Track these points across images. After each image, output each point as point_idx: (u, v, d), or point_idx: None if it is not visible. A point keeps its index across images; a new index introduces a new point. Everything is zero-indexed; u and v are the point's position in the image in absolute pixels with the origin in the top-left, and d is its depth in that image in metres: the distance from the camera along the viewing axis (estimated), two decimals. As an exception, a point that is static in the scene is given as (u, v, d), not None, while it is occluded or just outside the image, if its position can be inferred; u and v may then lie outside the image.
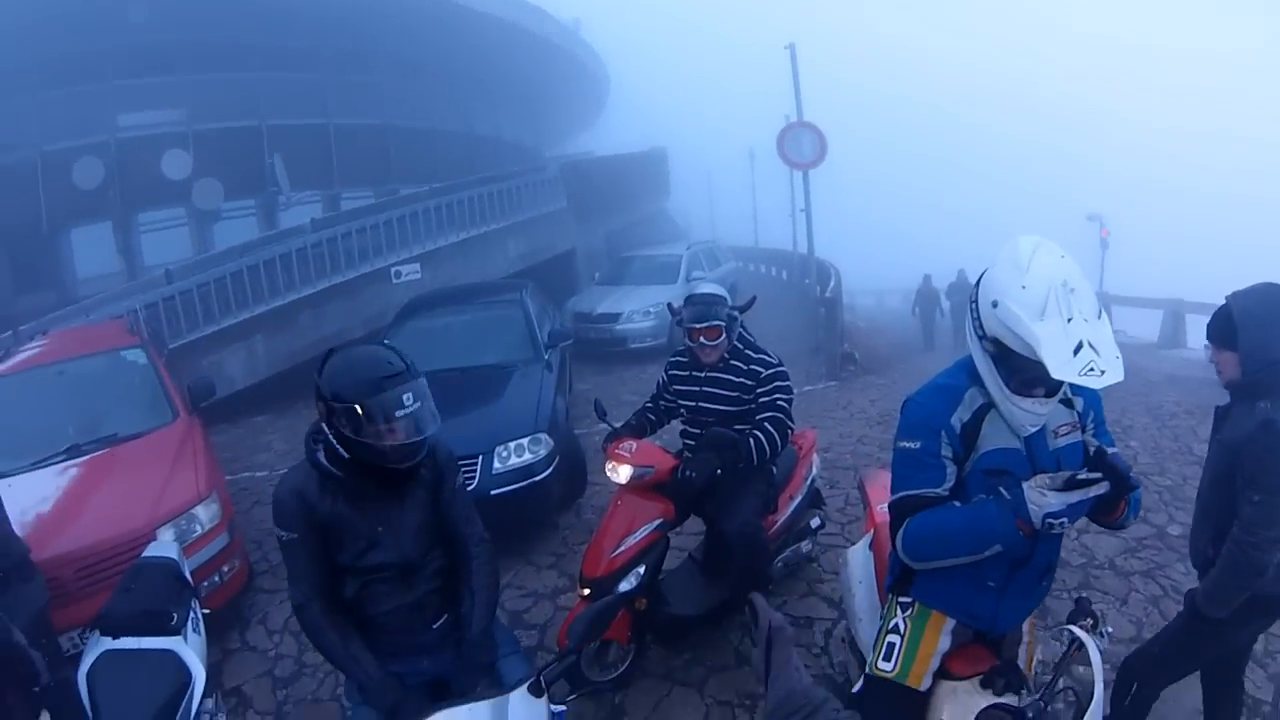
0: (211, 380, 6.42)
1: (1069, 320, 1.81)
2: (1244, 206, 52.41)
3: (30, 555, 3.48)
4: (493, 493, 5.25)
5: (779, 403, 3.76)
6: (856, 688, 2.55)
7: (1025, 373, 1.94)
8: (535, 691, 2.06)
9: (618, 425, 4.13)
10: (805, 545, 4.56)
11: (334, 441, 2.31)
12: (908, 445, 2.14)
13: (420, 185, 17.82)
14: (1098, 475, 1.89)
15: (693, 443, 3.98)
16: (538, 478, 5.48)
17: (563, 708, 2.18)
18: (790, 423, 3.82)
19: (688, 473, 3.61)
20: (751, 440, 3.64)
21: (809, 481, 4.44)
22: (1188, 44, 71.03)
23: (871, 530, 3.16)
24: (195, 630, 3.20)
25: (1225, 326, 2.52)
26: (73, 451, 5.07)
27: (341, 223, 13.29)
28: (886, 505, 2.28)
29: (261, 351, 11.61)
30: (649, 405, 4.27)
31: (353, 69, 18.87)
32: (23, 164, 15.69)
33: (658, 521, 3.75)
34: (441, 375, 5.77)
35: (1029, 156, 67.87)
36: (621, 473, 3.80)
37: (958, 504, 2.09)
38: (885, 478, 2.65)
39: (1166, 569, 4.94)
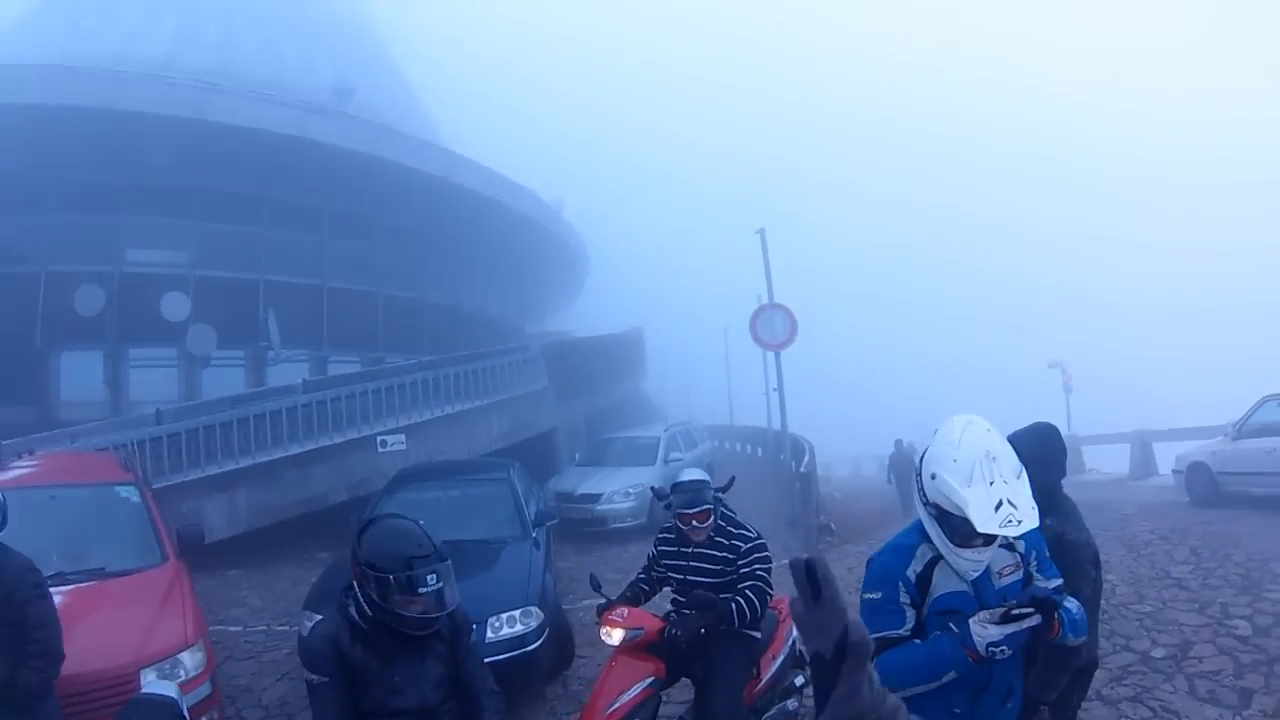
0: (201, 528, 6.61)
1: (991, 484, 2.28)
2: (1204, 321, 55.09)
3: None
4: (485, 661, 5.46)
5: (758, 572, 4.15)
6: None
7: (961, 529, 2.35)
8: None
9: (612, 597, 4.48)
10: (791, 703, 4.76)
11: (362, 601, 2.70)
12: (871, 596, 2.55)
13: (406, 354, 18.62)
14: (1029, 609, 2.30)
15: (681, 609, 4.31)
16: (529, 648, 5.69)
17: None
18: (769, 589, 4.18)
19: (674, 631, 3.98)
20: (733, 604, 4.00)
21: (789, 643, 4.71)
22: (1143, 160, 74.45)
23: None
24: None
25: None
26: (57, 579, 4.74)
27: (332, 386, 13.76)
28: None
29: (244, 504, 11.68)
30: (641, 576, 4.64)
31: (349, 234, 19.68)
32: (26, 278, 16.17)
33: (649, 680, 4.07)
34: None
35: (994, 293, 70.36)
36: (614, 635, 4.17)
37: (918, 641, 2.47)
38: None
39: (1154, 690, 5.20)
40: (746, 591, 4.07)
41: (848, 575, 9.66)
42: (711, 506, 4.26)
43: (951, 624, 2.41)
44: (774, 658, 4.56)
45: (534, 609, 5.90)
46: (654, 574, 4.59)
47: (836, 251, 72.80)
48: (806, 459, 14.30)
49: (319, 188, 17.97)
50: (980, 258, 73.89)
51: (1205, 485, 11.94)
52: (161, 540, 5.98)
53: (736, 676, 4.16)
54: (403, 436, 13.55)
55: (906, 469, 15.92)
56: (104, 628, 4.68)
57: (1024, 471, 2.40)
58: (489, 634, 5.61)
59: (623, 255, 51.16)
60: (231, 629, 8.30)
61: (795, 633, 4.64)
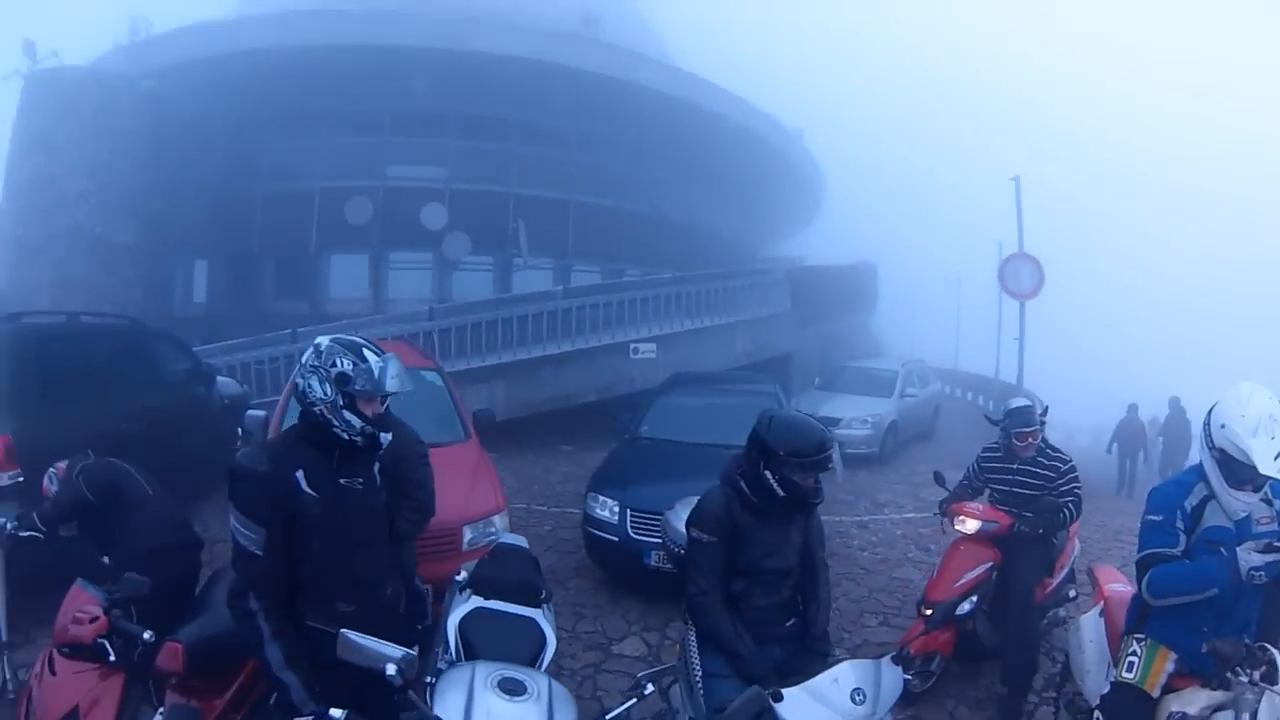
0: (493, 411, 7.24)
1: (1272, 438, 2.78)
2: None
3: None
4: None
5: (1076, 490, 4.91)
6: (1103, 690, 3.35)
7: (1239, 473, 2.87)
8: (896, 661, 2.94)
9: (951, 492, 5.28)
10: (1062, 612, 5.36)
11: (759, 477, 3.07)
12: (1153, 518, 3.09)
13: (645, 268, 19.14)
14: None
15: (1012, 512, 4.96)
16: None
17: (909, 677, 3.14)
18: (1081, 504, 4.91)
19: (1022, 528, 4.73)
20: (1064, 511, 4.78)
21: (1073, 559, 5.44)
22: None
23: (1101, 602, 4.03)
24: (549, 608, 3.79)
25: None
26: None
27: (590, 294, 14.50)
28: (1115, 584, 4.05)
29: (502, 397, 12.55)
30: (964, 483, 5.35)
31: (594, 151, 20.33)
32: (303, 194, 18.48)
33: (990, 564, 4.83)
34: (701, 449, 6.68)
35: (1256, 288, 62.76)
36: (969, 525, 4.95)
37: (1187, 560, 2.97)
38: (1109, 569, 4.50)
39: None
40: (1069, 504, 4.81)
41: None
42: (1038, 427, 4.97)
43: (1221, 548, 2.91)
44: (1061, 568, 5.22)
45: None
46: (975, 483, 5.30)
47: (1088, 218, 66.74)
48: (1042, 413, 13.47)
49: (566, 109, 18.68)
50: (1246, 248, 65.38)
51: None
52: (464, 419, 6.73)
53: (1036, 575, 4.84)
54: (653, 345, 14.10)
55: (1135, 442, 14.74)
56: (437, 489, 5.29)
57: None
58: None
59: (862, 188, 49.81)
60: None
61: (1077, 550, 5.60)
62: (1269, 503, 3.04)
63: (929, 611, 4.70)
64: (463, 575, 3.65)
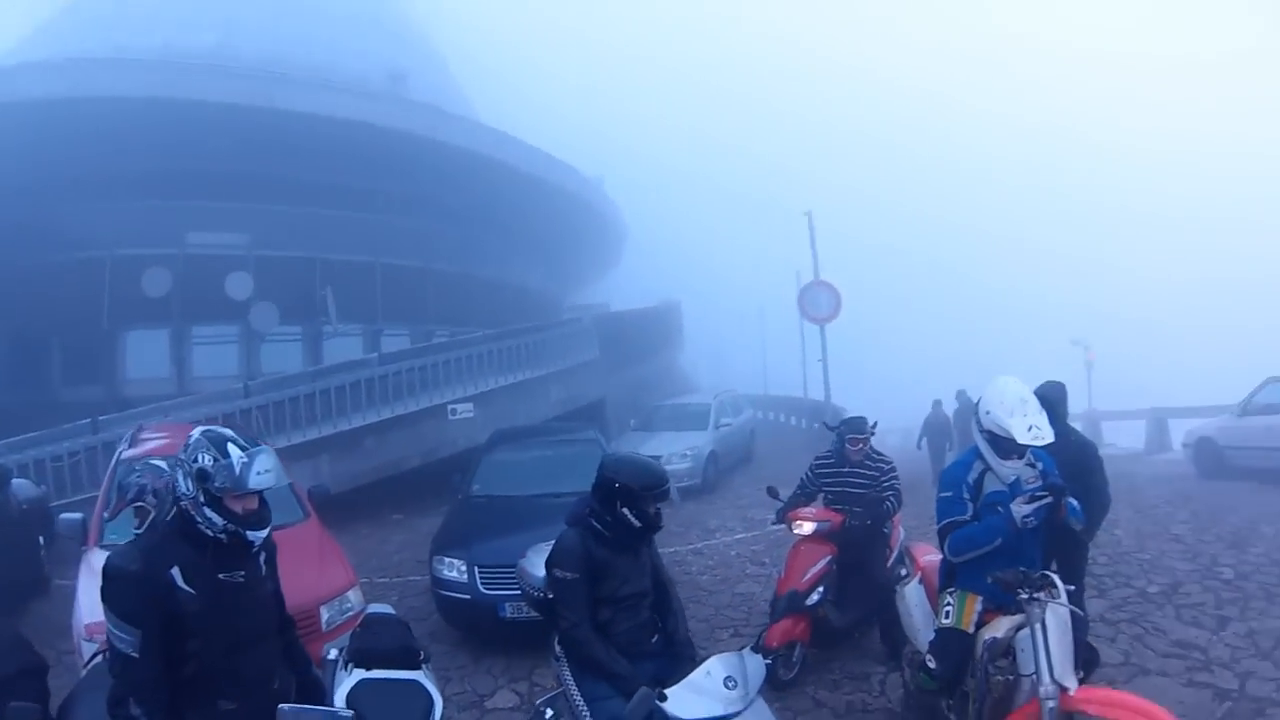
0: (327, 486, 7.44)
1: (1025, 415, 3.63)
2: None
3: None
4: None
5: (895, 485, 5.97)
6: (930, 638, 4.05)
7: (1005, 447, 3.72)
8: (756, 650, 3.75)
9: (785, 501, 6.12)
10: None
11: (611, 511, 3.55)
12: (945, 494, 3.92)
13: (455, 327, 19.41)
14: (1045, 493, 3.63)
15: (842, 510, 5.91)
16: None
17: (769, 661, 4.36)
18: (901, 496, 6.00)
19: (854, 523, 5.69)
20: (886, 505, 5.84)
21: (901, 541, 6.27)
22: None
23: (919, 573, 4.74)
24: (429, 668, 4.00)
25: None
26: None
27: (406, 359, 14.63)
28: (928, 555, 4.76)
29: (328, 470, 12.33)
30: (799, 491, 6.22)
31: (401, 212, 20.19)
32: (94, 263, 17.10)
33: (828, 557, 5.65)
34: (535, 500, 7.21)
35: (1020, 269, 69.83)
36: (806, 527, 5.76)
37: (976, 522, 3.78)
38: (922, 545, 5.23)
39: (1146, 616, 6.32)
40: (891, 498, 5.88)
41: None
42: (869, 434, 6.06)
43: (999, 507, 3.68)
44: (892, 550, 6.15)
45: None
46: (810, 489, 6.24)
47: (872, 227, 72.07)
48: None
49: (372, 168, 18.55)
50: (1012, 231, 73.13)
51: (1211, 459, 12.73)
52: (300, 498, 6.90)
53: (882, 555, 5.97)
54: (470, 405, 14.33)
55: (942, 435, 16.10)
56: (285, 574, 5.42)
57: (1043, 410, 3.73)
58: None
59: (661, 229, 51.29)
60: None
61: (903, 536, 6.49)
62: (1032, 465, 3.85)
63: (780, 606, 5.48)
64: (334, 654, 3.73)
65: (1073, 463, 4.50)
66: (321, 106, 16.56)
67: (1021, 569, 3.45)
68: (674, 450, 13.71)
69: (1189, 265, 62.15)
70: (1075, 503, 3.83)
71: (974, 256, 74.59)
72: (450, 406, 14.11)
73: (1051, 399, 4.48)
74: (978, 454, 3.92)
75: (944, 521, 3.88)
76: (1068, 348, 20.33)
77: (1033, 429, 3.60)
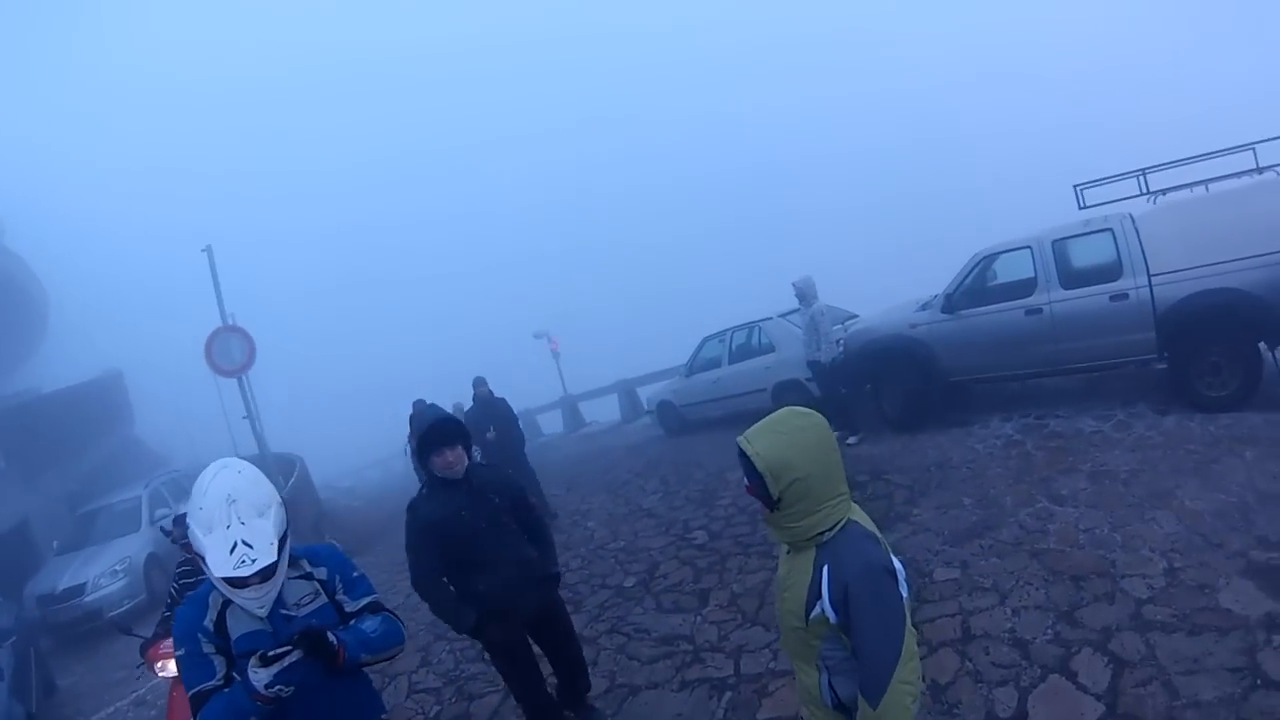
0: None
1: (228, 527, 2.37)
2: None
3: None
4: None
5: None
6: None
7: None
8: None
9: (147, 635, 4.62)
10: None
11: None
12: (179, 653, 2.50)
13: None
14: (287, 648, 2.34)
15: None
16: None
17: None
18: None
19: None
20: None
21: None
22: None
23: None
24: None
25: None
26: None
27: None
28: None
29: None
30: (167, 615, 4.58)
31: None
32: None
33: None
34: None
35: (475, 273, 75.11)
36: (170, 667, 4.28)
37: (228, 690, 2.43)
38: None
39: (627, 617, 6.07)
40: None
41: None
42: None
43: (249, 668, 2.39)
44: None
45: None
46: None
47: (285, 260, 71.41)
48: (293, 479, 14.00)
49: None
50: (453, 241, 77.49)
51: (673, 418, 13.84)
52: None
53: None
54: None
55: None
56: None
57: (272, 508, 2.50)
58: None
59: (92, 286, 45.11)
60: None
61: None
62: (308, 577, 2.69)
63: None
64: None
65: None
66: None
67: None
68: (99, 571, 11.14)
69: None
70: (369, 625, 2.67)
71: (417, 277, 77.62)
72: None
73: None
74: (212, 585, 2.54)
75: (191, 692, 2.47)
76: (533, 341, 20.93)
77: (238, 549, 2.37)
